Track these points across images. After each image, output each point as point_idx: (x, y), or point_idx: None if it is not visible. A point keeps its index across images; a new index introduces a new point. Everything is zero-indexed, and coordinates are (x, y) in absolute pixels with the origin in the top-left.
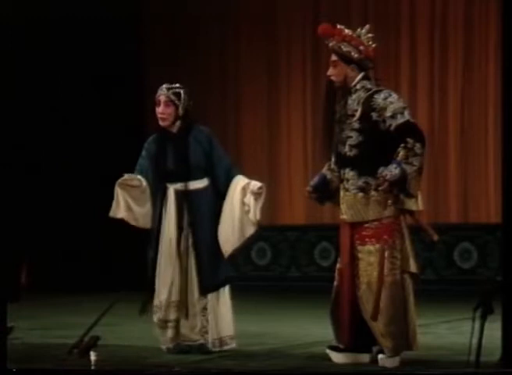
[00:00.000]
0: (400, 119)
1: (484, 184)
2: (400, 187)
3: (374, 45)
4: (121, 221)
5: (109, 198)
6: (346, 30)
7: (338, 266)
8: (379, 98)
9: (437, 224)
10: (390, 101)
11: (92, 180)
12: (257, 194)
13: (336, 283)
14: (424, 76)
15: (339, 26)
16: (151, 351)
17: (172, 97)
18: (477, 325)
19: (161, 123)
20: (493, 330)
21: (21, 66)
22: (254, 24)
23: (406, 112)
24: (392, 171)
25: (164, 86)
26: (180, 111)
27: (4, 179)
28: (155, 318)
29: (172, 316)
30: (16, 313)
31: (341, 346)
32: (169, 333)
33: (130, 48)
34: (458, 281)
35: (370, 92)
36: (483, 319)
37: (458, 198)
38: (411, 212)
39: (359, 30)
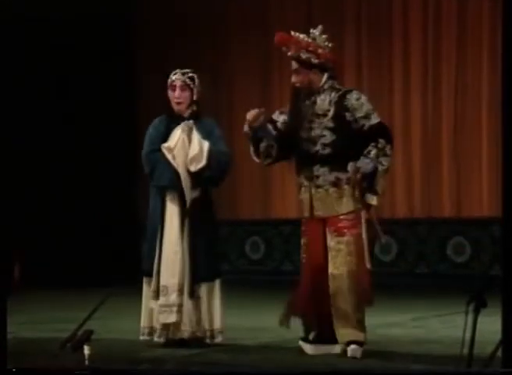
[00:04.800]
0: (373, 120)
1: (477, 179)
2: (368, 182)
3: (330, 45)
4: (115, 216)
5: (103, 193)
6: (301, 36)
7: (304, 260)
8: (352, 99)
9: (430, 218)
10: (362, 103)
11: (86, 175)
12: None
13: (307, 275)
14: (417, 73)
15: (293, 34)
16: (145, 345)
17: (188, 81)
18: (470, 319)
19: (176, 107)
20: (486, 324)
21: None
22: (247, 24)
23: (376, 114)
24: (365, 164)
25: (178, 71)
26: (194, 95)
27: None
28: (159, 302)
29: (177, 300)
30: (9, 308)
31: (311, 338)
32: (173, 317)
33: (122, 46)
34: (451, 275)
35: (341, 92)
36: (476, 312)
37: (451, 193)
38: (368, 207)
39: (313, 31)
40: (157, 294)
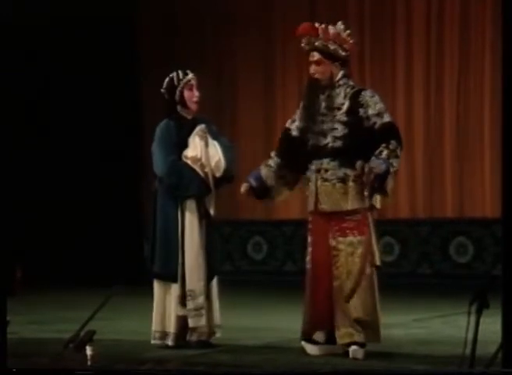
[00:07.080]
0: (385, 119)
1: (479, 179)
2: (380, 183)
3: (352, 41)
4: (117, 217)
5: (106, 193)
6: (330, 28)
7: (310, 257)
8: (366, 96)
9: (433, 218)
10: (375, 101)
11: (89, 175)
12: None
13: (310, 274)
14: (419, 73)
15: (317, 25)
16: (147, 346)
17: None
18: (472, 319)
19: (194, 106)
20: (489, 324)
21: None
22: (249, 22)
23: (388, 114)
24: (379, 165)
25: (187, 71)
26: None
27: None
28: (188, 307)
29: (204, 303)
30: (11, 308)
31: (315, 339)
32: (203, 320)
33: (125, 46)
34: (454, 275)
35: (356, 89)
36: (479, 313)
37: (454, 193)
38: (372, 210)
39: (339, 25)
40: (183, 300)
